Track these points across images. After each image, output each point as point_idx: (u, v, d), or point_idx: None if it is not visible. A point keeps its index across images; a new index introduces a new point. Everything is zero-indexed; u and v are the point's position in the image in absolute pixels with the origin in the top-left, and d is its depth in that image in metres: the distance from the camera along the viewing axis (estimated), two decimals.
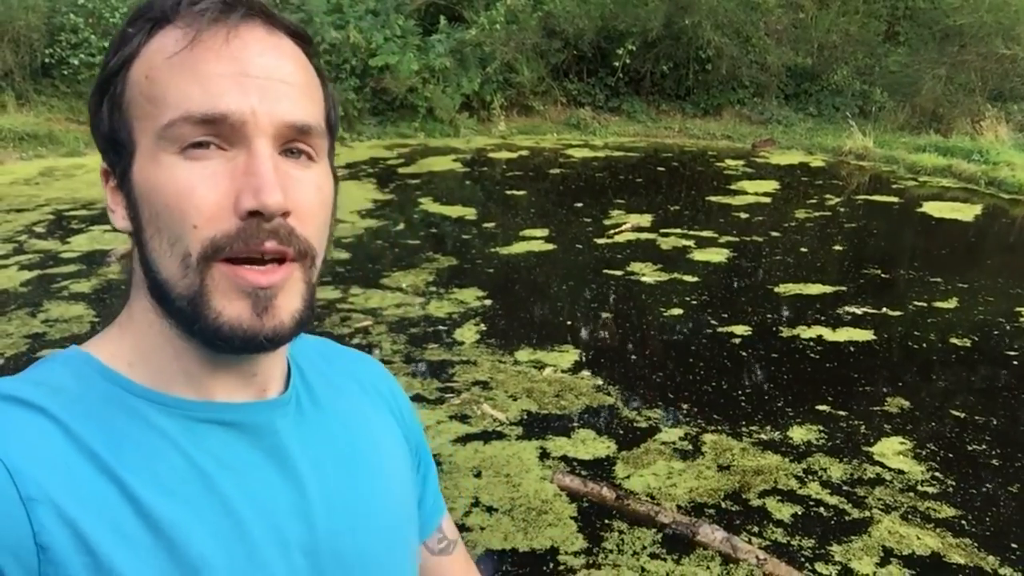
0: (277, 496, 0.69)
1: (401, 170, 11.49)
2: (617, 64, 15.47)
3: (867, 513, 3.52)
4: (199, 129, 0.62)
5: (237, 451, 0.68)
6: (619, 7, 15.28)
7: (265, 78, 0.63)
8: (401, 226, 8.40)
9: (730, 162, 12.55)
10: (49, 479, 0.58)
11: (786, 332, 5.58)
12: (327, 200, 0.69)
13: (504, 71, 15.16)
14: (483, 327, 5.57)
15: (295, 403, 0.75)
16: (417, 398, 4.49)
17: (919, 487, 3.74)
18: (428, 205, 9.34)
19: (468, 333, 5.45)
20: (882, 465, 3.91)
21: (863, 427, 4.26)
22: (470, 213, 8.95)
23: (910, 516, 3.51)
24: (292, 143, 0.65)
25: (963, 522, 3.47)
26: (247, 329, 0.63)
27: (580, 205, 9.52)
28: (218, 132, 0.62)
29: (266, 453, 0.69)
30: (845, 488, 3.71)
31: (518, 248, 7.57)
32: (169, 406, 0.66)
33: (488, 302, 6.08)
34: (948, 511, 3.55)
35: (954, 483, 3.77)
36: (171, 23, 0.64)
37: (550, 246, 7.67)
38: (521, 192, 10.36)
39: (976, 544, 3.32)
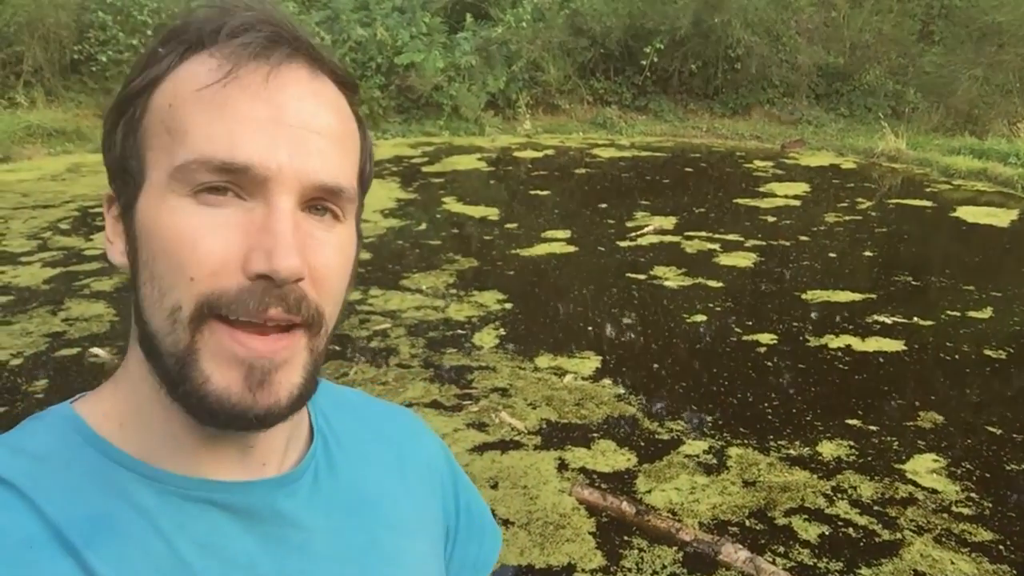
0: None
1: (425, 169, 11.44)
2: (645, 63, 15.32)
3: (898, 535, 3.38)
4: (217, 175, 0.55)
5: (227, 536, 0.60)
6: (647, 5, 15.12)
7: (300, 128, 0.57)
8: (423, 226, 8.33)
9: (759, 163, 12.36)
10: (7, 566, 0.53)
11: (813, 341, 5.43)
12: (348, 263, 0.63)
13: (530, 69, 15.08)
14: (503, 331, 5.47)
15: (311, 478, 0.67)
16: (435, 404, 4.41)
17: (953, 508, 3.59)
18: (451, 205, 9.27)
19: (487, 337, 5.36)
20: (914, 484, 3.77)
21: (895, 443, 4.11)
22: (493, 213, 8.86)
23: (944, 539, 3.36)
24: (318, 201, 0.59)
25: (1000, 547, 3.32)
26: (235, 404, 0.55)
27: (604, 206, 9.39)
28: (237, 181, 0.55)
29: (261, 539, 0.62)
30: (876, 508, 3.57)
31: (539, 250, 7.47)
32: (157, 480, 0.59)
33: (508, 305, 5.99)
34: (984, 534, 3.40)
35: (991, 504, 3.62)
36: (207, 50, 0.57)
37: (572, 248, 7.56)
38: (545, 192, 10.25)
39: (1014, 571, 3.17)
